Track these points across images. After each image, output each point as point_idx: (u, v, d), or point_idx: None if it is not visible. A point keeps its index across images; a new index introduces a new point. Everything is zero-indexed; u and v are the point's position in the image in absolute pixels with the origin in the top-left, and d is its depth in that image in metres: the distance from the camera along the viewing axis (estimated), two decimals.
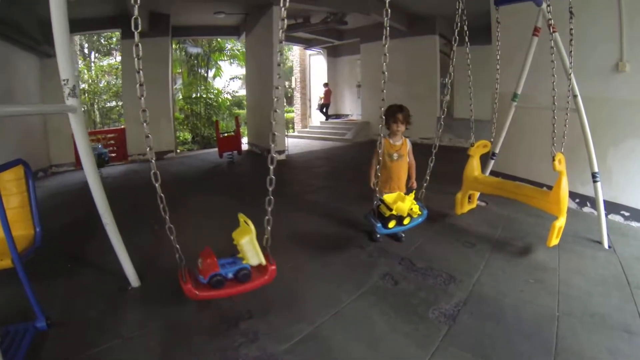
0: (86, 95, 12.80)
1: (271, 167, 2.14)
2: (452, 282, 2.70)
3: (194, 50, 13.52)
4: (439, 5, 8.44)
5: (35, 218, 2.46)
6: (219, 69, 15.08)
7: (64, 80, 2.27)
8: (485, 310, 2.37)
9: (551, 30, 3.06)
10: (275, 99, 2.17)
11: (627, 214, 3.92)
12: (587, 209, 4.28)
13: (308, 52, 15.05)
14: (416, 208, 2.90)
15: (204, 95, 14.29)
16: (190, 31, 11.66)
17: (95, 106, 13.27)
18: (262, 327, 2.21)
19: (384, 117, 2.85)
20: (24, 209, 2.43)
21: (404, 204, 2.74)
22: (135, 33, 1.97)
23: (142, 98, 2.03)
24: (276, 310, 2.39)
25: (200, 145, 13.80)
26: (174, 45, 12.99)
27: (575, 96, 3.36)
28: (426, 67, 10.16)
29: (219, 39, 13.90)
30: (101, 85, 13.35)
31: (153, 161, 2.12)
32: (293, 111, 17.86)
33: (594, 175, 3.42)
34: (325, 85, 14.43)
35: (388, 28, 2.24)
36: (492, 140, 3.91)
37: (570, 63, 3.22)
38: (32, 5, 7.42)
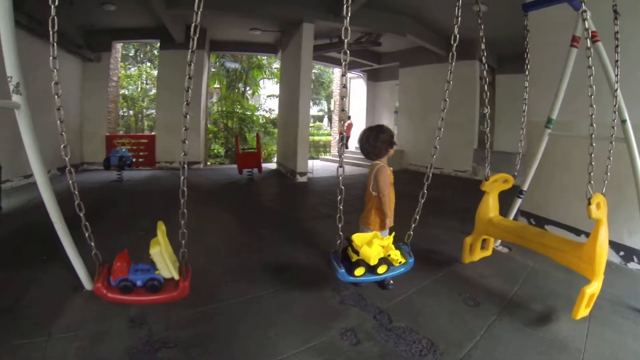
0: (126, 100, 13.26)
1: (182, 178, 1.89)
2: (431, 353, 2.02)
3: (232, 65, 13.65)
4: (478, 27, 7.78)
5: None
6: (257, 85, 15.13)
7: (8, 77, 2.15)
8: None
9: (588, 40, 2.35)
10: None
11: None
12: (634, 265, 3.36)
13: (348, 75, 14.78)
14: (396, 255, 2.23)
15: (239, 111, 14.29)
16: (228, 46, 11.79)
17: (131, 112, 13.68)
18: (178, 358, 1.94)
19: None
20: None
21: (371, 249, 2.10)
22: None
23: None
24: (204, 344, 2.08)
25: (232, 160, 13.77)
26: (213, 60, 13.21)
27: (623, 121, 2.64)
28: (465, 94, 9.37)
29: (258, 56, 13.97)
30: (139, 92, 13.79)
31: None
32: (330, 134, 17.61)
33: None
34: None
35: (347, 60, 1.83)
36: (515, 174, 3.21)
37: (617, 76, 2.49)
38: (75, 11, 7.81)
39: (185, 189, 1.94)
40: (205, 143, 11.60)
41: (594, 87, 2.26)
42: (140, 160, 9.54)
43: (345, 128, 14.43)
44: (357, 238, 2.18)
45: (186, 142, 1.91)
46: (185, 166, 1.93)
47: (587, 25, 2.21)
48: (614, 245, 3.47)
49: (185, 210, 1.96)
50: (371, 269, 2.13)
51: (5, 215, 4.29)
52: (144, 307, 2.31)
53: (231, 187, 7.64)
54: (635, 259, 3.35)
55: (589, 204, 2.20)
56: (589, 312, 2.31)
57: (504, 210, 3.71)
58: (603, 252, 2.22)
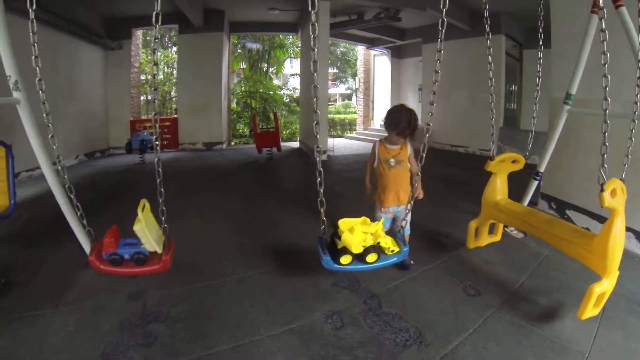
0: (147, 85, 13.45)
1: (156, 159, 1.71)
2: (416, 344, 1.92)
3: (252, 45, 13.54)
4: (504, 1, 7.28)
5: (12, 192, 2.89)
6: (281, 64, 14.99)
7: (8, 76, 2.22)
8: None
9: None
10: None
11: None
12: None
13: (372, 52, 14.34)
14: (387, 242, 2.11)
15: (261, 90, 14.21)
16: (248, 27, 11.62)
17: (150, 96, 13.88)
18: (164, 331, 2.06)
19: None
20: (2, 183, 2.89)
21: (353, 235, 1.98)
22: None
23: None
24: (187, 319, 2.19)
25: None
26: (234, 41, 13.12)
27: None
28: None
29: (280, 36, 13.76)
30: (160, 76, 13.89)
31: None
32: (355, 112, 17.38)
33: None
34: None
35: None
36: (526, 154, 2.98)
37: None
38: (94, 3, 7.96)
39: (160, 169, 2.08)
40: (228, 123, 11.64)
41: (607, 54, 1.98)
42: (164, 142, 9.63)
43: None
44: (343, 224, 2.08)
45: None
46: (158, 148, 2.12)
47: None
48: (638, 234, 3.19)
49: (162, 189, 2.08)
50: (359, 257, 2.03)
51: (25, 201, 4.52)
52: (142, 283, 2.51)
53: (248, 166, 7.72)
54: None
55: (602, 190, 1.97)
56: (600, 312, 2.11)
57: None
58: (617, 247, 1.97)
